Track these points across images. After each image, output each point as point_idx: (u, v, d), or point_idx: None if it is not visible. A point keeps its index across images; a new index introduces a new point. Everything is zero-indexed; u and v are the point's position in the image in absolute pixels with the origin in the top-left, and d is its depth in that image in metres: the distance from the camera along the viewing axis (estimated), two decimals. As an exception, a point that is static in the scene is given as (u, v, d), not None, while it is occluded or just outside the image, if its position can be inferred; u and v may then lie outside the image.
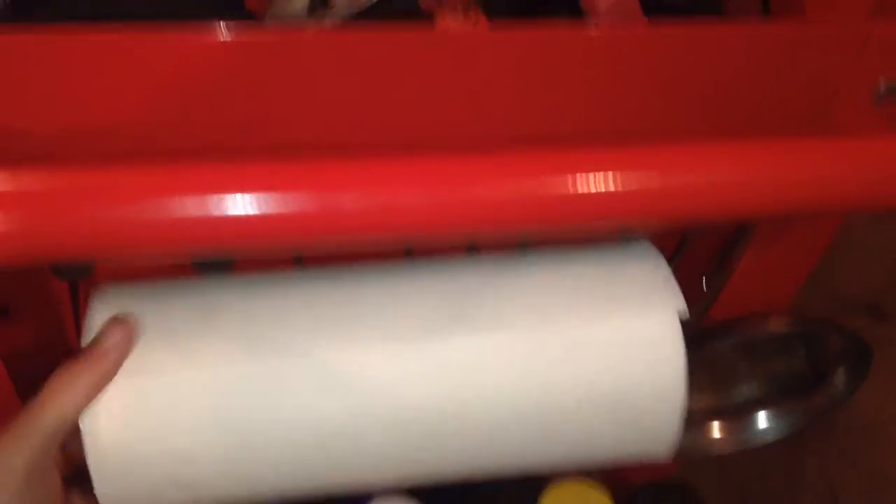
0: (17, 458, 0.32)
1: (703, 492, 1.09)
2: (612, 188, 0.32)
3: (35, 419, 0.33)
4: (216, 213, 0.30)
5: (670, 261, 0.45)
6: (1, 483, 0.31)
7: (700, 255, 0.47)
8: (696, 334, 0.46)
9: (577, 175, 0.31)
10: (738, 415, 0.51)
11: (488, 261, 0.42)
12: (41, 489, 0.33)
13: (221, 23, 0.32)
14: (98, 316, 0.36)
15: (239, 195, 0.30)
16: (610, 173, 0.32)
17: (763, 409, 0.50)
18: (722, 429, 0.50)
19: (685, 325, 0.38)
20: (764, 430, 0.50)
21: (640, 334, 0.38)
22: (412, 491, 0.60)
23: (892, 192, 0.34)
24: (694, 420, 0.50)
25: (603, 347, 0.37)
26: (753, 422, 0.50)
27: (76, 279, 0.42)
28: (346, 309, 0.38)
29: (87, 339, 0.35)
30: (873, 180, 0.33)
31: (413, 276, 0.40)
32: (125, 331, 0.35)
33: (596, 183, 0.32)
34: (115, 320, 0.35)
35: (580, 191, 0.31)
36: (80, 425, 0.34)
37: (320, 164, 0.33)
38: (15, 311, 0.43)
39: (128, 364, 0.35)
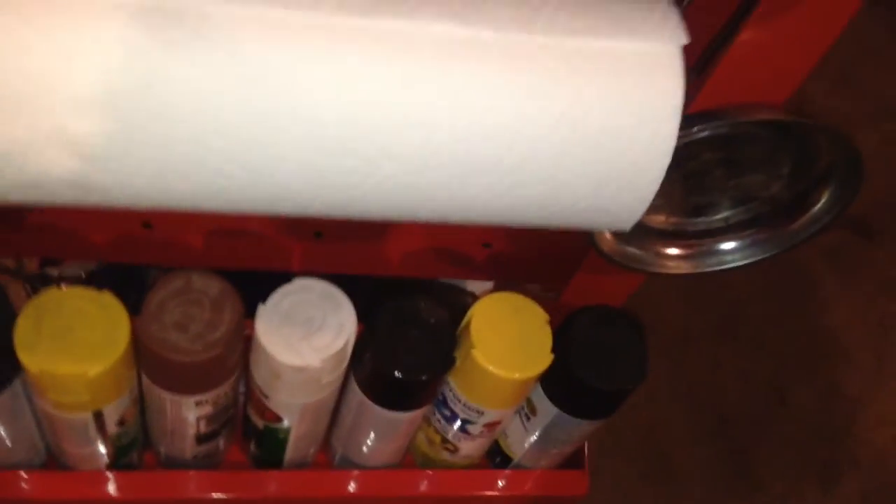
0: None
1: (657, 383, 1.08)
2: None
3: None
4: None
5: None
6: None
7: (694, 34, 0.41)
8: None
9: None
10: (700, 234, 0.46)
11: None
12: None
13: None
14: None
15: None
16: None
17: (730, 231, 0.45)
18: (683, 246, 0.46)
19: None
20: (726, 253, 0.45)
21: (637, 61, 0.32)
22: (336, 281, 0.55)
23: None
24: (653, 230, 0.45)
25: (594, 63, 0.32)
26: (716, 243, 0.45)
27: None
28: None
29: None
30: None
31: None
32: None
33: None
34: None
35: None
36: None
37: None
38: None
39: None
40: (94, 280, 0.71)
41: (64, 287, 0.49)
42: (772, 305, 1.19)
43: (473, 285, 0.71)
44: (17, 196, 0.32)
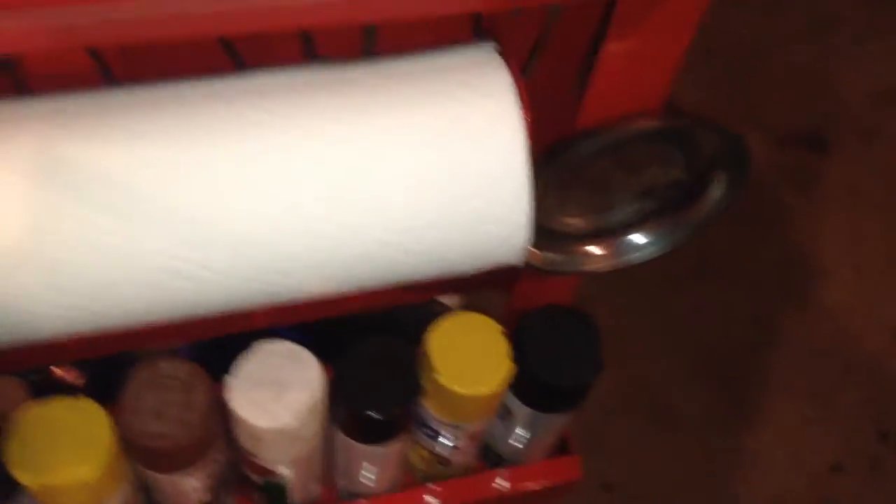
0: None
1: (643, 332, 1.11)
2: None
3: None
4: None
5: (528, 61, 0.41)
6: None
7: (564, 59, 0.43)
8: (562, 141, 0.43)
9: None
10: (616, 230, 0.48)
11: (321, 66, 0.38)
12: None
13: None
14: None
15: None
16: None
17: (642, 223, 0.48)
18: (600, 244, 0.48)
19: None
20: (643, 246, 0.48)
21: (476, 127, 0.35)
22: (310, 338, 0.58)
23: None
24: (570, 235, 0.48)
25: (434, 138, 0.34)
26: (632, 237, 0.48)
27: None
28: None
29: None
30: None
31: (244, 80, 0.36)
32: None
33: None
34: None
35: None
36: None
37: None
38: None
39: None
40: (88, 367, 0.74)
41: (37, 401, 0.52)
42: (743, 234, 1.21)
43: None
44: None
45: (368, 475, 0.62)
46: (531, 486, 0.66)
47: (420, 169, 0.34)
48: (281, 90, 0.35)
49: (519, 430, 0.61)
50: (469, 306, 0.71)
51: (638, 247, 0.48)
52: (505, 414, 0.61)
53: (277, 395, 0.53)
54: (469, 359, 0.55)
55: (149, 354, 0.60)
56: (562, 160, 0.41)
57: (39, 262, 0.32)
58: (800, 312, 1.17)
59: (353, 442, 0.57)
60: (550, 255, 0.47)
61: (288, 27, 0.36)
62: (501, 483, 0.66)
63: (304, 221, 0.34)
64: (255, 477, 0.59)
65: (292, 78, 0.36)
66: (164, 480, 0.55)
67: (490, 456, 0.67)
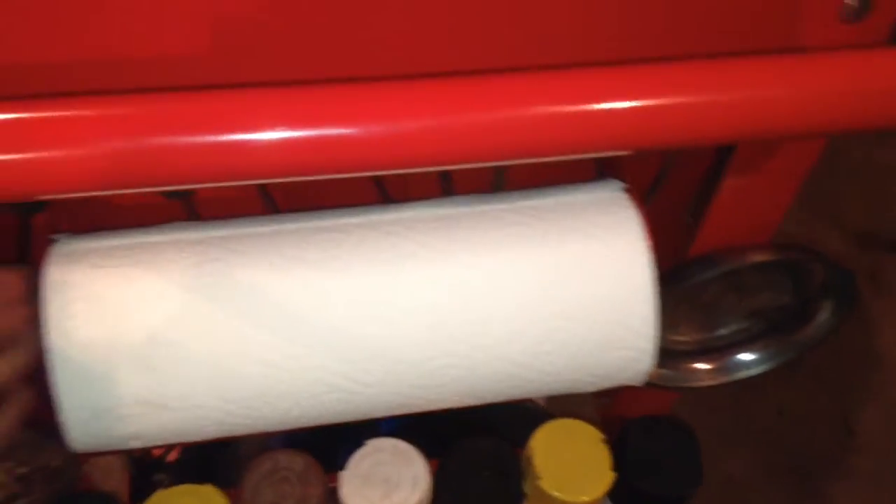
0: None
1: (726, 434, 1.11)
2: (595, 107, 0.32)
3: None
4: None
5: (649, 193, 0.44)
6: None
7: (680, 188, 0.46)
8: (680, 267, 0.45)
9: (560, 95, 0.31)
10: (724, 348, 0.50)
11: (460, 200, 0.41)
12: None
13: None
14: (54, 274, 0.36)
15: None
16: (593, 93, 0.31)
17: (749, 342, 0.49)
18: (708, 361, 0.50)
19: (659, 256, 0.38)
20: (750, 363, 0.49)
21: (607, 261, 0.38)
22: (410, 428, 0.60)
23: (867, 109, 0.33)
24: (679, 352, 0.49)
25: (568, 271, 0.37)
26: (740, 355, 0.50)
27: (28, 213, 0.42)
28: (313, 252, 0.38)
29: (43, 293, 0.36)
30: (845, 97, 0.32)
31: (392, 212, 0.40)
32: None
33: (581, 102, 0.31)
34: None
35: (563, 110, 0.31)
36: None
37: (309, 92, 0.32)
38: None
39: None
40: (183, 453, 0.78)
41: (164, 486, 0.55)
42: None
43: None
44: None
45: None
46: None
47: (554, 298, 0.37)
48: (426, 222, 0.39)
49: (614, 536, 0.62)
50: (554, 401, 0.73)
51: (745, 364, 0.49)
52: (600, 519, 0.62)
53: (387, 493, 0.55)
54: (571, 466, 0.56)
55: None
56: (676, 285, 0.43)
57: (211, 374, 0.36)
58: (883, 413, 1.15)
59: (454, 540, 0.58)
60: (659, 371, 0.49)
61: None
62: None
63: (448, 344, 0.37)
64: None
65: (436, 211, 0.40)
66: (273, 569, 0.57)
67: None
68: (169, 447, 0.76)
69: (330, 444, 0.58)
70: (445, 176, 0.43)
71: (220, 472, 0.56)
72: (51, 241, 0.38)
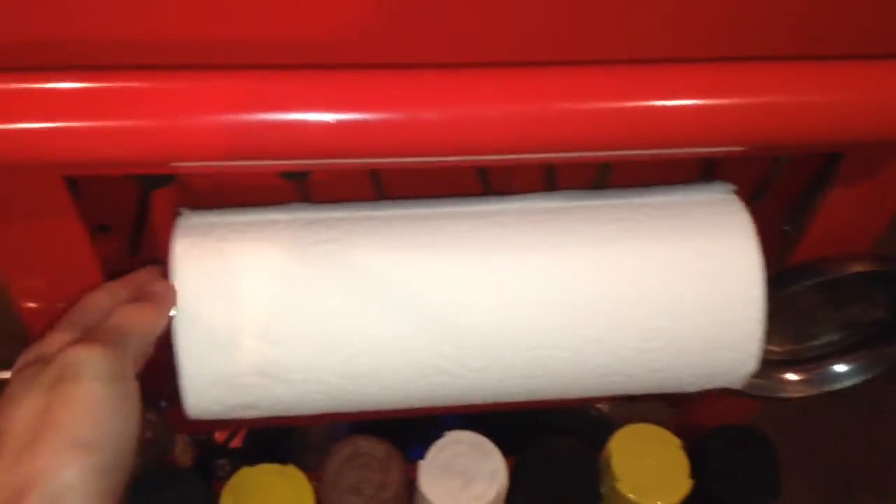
0: (99, 355, 0.35)
1: (782, 457, 1.09)
2: (714, 102, 0.33)
3: (112, 328, 0.36)
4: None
5: (752, 199, 0.45)
6: (83, 379, 0.34)
7: (781, 194, 0.46)
8: (778, 275, 0.45)
9: (673, 90, 0.32)
10: (816, 359, 0.50)
11: (567, 194, 0.42)
12: (126, 400, 0.35)
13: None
14: (182, 244, 0.38)
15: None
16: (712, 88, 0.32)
17: (841, 354, 0.49)
18: (798, 372, 0.50)
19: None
20: (841, 376, 0.49)
21: (718, 261, 0.38)
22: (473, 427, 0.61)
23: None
24: (770, 361, 0.50)
25: (681, 269, 0.38)
26: (831, 367, 0.49)
27: (154, 187, 0.44)
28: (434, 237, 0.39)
29: (171, 266, 0.38)
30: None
31: (501, 203, 0.41)
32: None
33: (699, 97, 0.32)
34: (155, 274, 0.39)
35: (676, 104, 0.32)
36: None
37: (418, 76, 0.34)
38: (114, 227, 0.45)
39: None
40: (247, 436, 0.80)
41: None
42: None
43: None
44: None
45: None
46: None
47: (663, 294, 0.38)
48: (535, 214, 0.40)
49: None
50: (619, 409, 0.73)
51: (836, 376, 0.49)
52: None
53: (465, 485, 0.56)
54: (649, 471, 0.56)
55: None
56: (772, 293, 0.43)
57: (327, 348, 0.37)
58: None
59: (527, 538, 0.59)
60: (752, 380, 0.49)
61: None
62: None
63: (556, 334, 0.38)
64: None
65: (544, 203, 0.41)
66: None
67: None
68: (232, 433, 0.78)
69: (394, 437, 0.59)
70: (550, 171, 0.44)
71: (283, 459, 0.57)
72: (176, 214, 0.40)
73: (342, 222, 0.39)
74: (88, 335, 0.36)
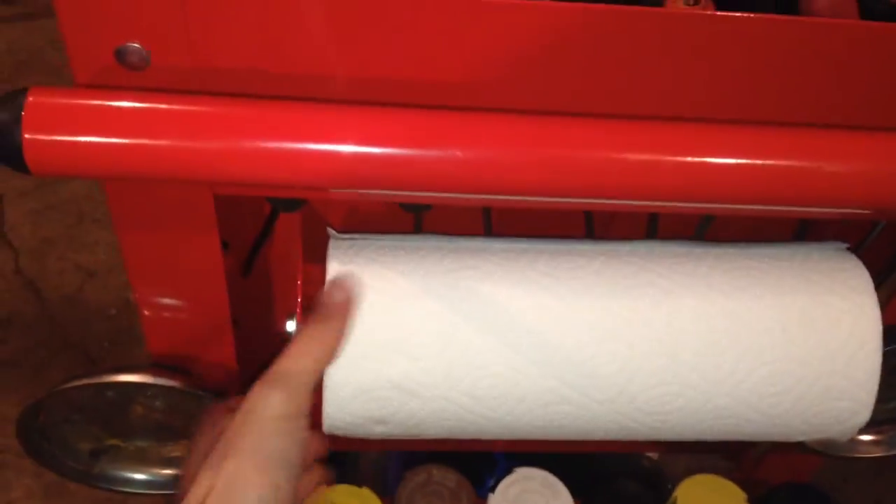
0: (276, 398, 0.36)
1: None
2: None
3: (292, 367, 0.37)
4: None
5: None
6: (260, 417, 0.36)
7: (876, 258, 0.48)
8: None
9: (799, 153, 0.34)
10: (888, 421, 0.51)
11: (691, 242, 0.44)
12: (294, 432, 0.37)
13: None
14: (339, 261, 0.41)
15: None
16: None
17: (916, 417, 0.51)
18: (873, 433, 0.51)
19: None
20: (914, 439, 0.51)
21: (840, 312, 0.41)
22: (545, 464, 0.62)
23: None
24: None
25: (805, 320, 0.40)
26: (905, 430, 0.51)
27: (286, 210, 0.47)
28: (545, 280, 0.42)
29: (329, 276, 0.40)
30: None
31: (626, 245, 0.44)
32: (348, 294, 0.40)
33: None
34: (338, 285, 0.40)
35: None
36: None
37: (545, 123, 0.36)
38: (233, 244, 0.47)
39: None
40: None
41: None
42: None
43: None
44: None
45: None
46: None
47: (787, 341, 0.40)
48: (663, 256, 0.42)
49: None
50: (672, 460, 0.73)
51: (907, 438, 0.50)
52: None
53: (533, 521, 0.57)
54: (714, 520, 0.57)
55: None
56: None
57: (462, 369, 0.40)
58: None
59: (588, 579, 0.60)
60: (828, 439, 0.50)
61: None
62: None
63: (682, 372, 0.40)
64: None
65: (670, 248, 0.43)
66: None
67: None
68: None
69: (465, 469, 0.60)
70: (653, 218, 0.46)
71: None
72: (328, 235, 0.43)
73: (478, 252, 0.42)
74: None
